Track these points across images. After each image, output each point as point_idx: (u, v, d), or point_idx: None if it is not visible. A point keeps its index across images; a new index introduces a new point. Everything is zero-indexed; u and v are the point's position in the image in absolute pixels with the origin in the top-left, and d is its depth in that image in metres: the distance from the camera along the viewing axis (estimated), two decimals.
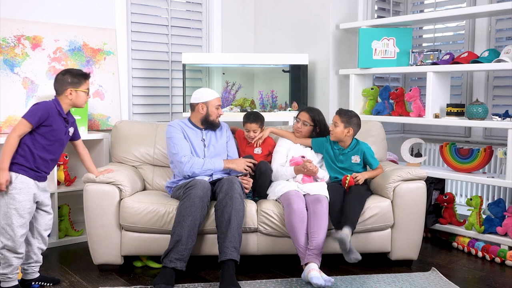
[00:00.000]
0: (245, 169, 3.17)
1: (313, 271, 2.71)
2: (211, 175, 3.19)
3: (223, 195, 2.87)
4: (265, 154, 3.41)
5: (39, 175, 2.64)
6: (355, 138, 3.28)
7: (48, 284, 2.80)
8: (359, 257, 2.81)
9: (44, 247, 2.78)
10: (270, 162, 3.36)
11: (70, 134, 2.80)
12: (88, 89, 2.78)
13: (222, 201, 2.86)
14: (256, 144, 3.38)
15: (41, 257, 2.77)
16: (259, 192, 3.24)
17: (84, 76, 2.76)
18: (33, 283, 2.76)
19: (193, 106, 3.32)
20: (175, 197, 3.11)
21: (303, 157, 3.26)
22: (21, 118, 2.58)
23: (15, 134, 2.55)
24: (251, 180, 3.17)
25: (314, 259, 2.78)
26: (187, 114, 3.98)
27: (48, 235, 3.45)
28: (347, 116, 3.20)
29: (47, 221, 2.75)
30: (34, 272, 2.77)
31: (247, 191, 3.13)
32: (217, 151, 3.29)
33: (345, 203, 2.99)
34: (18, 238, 2.56)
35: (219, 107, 3.30)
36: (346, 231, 2.82)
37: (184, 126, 3.29)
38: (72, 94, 2.70)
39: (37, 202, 2.66)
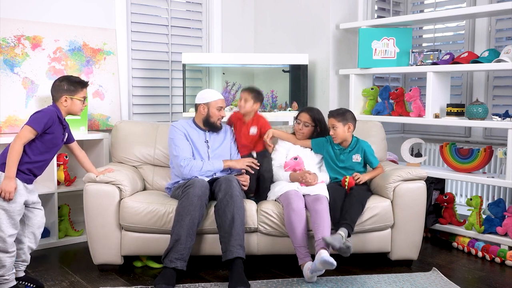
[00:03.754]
0: (245, 168, 3.17)
1: (324, 252, 2.70)
2: (215, 174, 3.19)
3: (223, 194, 2.88)
4: (261, 135, 3.34)
5: (29, 177, 2.65)
6: (355, 137, 3.28)
7: (31, 285, 2.75)
8: (351, 250, 2.79)
9: (34, 247, 2.76)
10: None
11: (65, 139, 2.82)
12: (84, 97, 2.78)
13: (223, 200, 2.86)
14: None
15: (29, 257, 2.75)
16: (260, 195, 3.24)
17: (81, 85, 2.76)
18: (20, 282, 2.72)
19: (196, 107, 3.32)
20: (174, 196, 3.11)
21: (295, 158, 3.24)
22: (25, 125, 2.58)
23: (21, 142, 2.55)
24: (248, 177, 3.17)
25: (324, 247, 2.76)
26: (187, 114, 4.00)
27: (48, 234, 3.48)
28: (341, 114, 3.19)
29: (39, 218, 2.74)
30: (20, 270, 2.74)
31: (245, 188, 3.14)
32: (220, 153, 3.29)
33: (346, 204, 2.99)
34: (8, 238, 2.55)
35: (221, 108, 3.25)
36: (340, 233, 2.81)
37: (187, 127, 3.27)
38: (67, 102, 2.71)
39: (26, 203, 2.66)
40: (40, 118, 2.59)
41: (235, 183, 2.93)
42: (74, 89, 2.73)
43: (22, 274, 2.75)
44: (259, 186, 3.27)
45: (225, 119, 3.41)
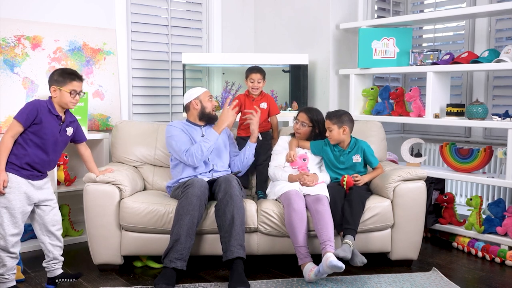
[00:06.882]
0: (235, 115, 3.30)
1: (331, 256, 2.70)
2: (211, 173, 3.22)
3: (222, 195, 2.89)
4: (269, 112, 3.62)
5: (32, 173, 2.63)
6: (353, 137, 3.28)
7: (68, 280, 2.80)
8: (365, 260, 2.82)
9: (59, 243, 2.77)
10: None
11: (68, 134, 2.76)
12: (74, 90, 2.68)
13: (222, 200, 2.87)
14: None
15: (58, 254, 2.77)
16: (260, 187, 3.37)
17: (71, 77, 2.69)
18: (57, 280, 2.78)
19: (187, 107, 3.39)
20: (174, 196, 3.11)
21: (304, 159, 3.24)
22: (13, 118, 2.60)
23: (8, 135, 2.58)
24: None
25: (329, 248, 2.76)
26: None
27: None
28: (337, 117, 3.20)
29: (52, 216, 2.72)
30: (55, 269, 2.77)
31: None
32: (218, 146, 3.33)
33: (346, 206, 2.99)
34: (9, 236, 2.56)
35: (211, 98, 3.38)
36: (347, 242, 2.83)
37: (184, 125, 3.33)
38: (56, 92, 2.68)
39: (35, 203, 2.65)
40: (23, 110, 2.61)
41: (234, 183, 2.94)
42: (62, 80, 2.67)
43: (59, 271, 2.79)
44: (256, 180, 3.46)
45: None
